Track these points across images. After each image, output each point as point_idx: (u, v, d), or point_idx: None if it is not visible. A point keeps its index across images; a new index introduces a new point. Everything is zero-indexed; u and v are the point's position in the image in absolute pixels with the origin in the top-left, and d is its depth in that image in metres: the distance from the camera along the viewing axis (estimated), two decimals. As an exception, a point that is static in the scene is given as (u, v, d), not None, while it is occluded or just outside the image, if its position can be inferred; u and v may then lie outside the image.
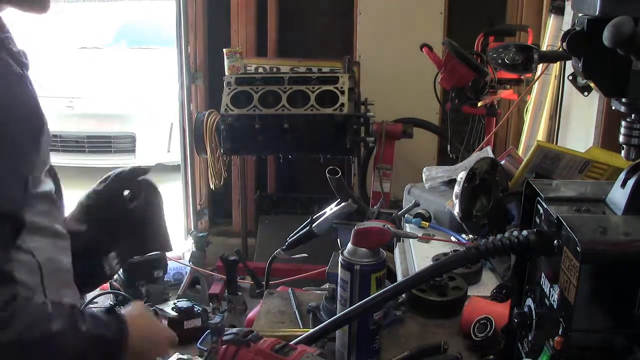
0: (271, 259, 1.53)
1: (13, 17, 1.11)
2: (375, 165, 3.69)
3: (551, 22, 2.91)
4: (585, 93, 2.25)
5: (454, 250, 1.50)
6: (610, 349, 0.83)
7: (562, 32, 0.95)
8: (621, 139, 0.94)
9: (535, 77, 2.78)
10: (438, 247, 1.73)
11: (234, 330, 1.00)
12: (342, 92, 3.35)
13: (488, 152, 2.17)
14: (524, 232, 0.93)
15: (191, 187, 4.46)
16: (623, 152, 0.94)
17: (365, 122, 3.47)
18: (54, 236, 1.12)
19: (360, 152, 3.83)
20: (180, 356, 3.07)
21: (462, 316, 1.28)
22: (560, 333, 0.85)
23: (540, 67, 2.61)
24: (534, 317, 0.97)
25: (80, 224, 1.29)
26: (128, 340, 1.07)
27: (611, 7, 0.82)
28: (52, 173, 1.18)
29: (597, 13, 0.84)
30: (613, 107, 0.95)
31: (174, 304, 3.42)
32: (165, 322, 3.32)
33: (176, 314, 3.33)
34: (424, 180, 2.16)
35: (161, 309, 3.37)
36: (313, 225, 1.44)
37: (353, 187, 3.99)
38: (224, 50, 3.88)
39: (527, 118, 3.07)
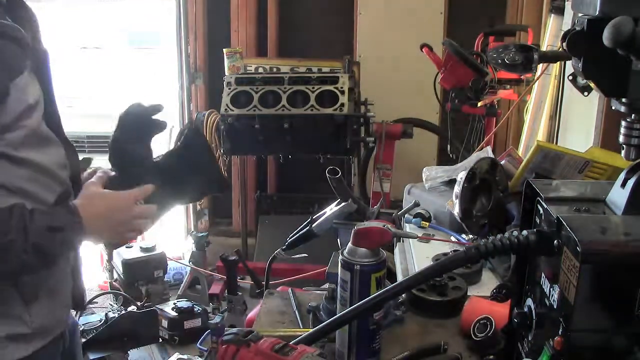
0: (271, 259, 1.53)
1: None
2: (375, 165, 3.69)
3: (551, 22, 2.91)
4: (585, 93, 2.24)
5: (454, 250, 1.50)
6: (610, 349, 0.83)
7: (562, 32, 0.95)
8: (621, 139, 0.93)
9: (535, 77, 2.78)
10: (438, 247, 1.72)
11: (234, 330, 1.00)
12: (342, 92, 3.35)
13: (488, 152, 2.16)
14: (524, 232, 0.93)
15: (191, 187, 4.45)
16: (623, 152, 0.94)
17: (365, 122, 3.47)
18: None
19: (360, 152, 3.83)
20: (180, 356, 3.08)
21: (462, 316, 1.28)
22: (560, 333, 0.85)
23: (540, 67, 2.61)
24: (534, 317, 0.97)
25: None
26: (82, 224, 1.14)
27: (611, 7, 0.82)
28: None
29: (597, 13, 0.84)
30: (613, 107, 0.95)
31: (174, 304, 3.42)
32: (166, 322, 3.33)
33: (176, 314, 3.33)
34: (424, 180, 2.16)
35: (161, 309, 3.37)
36: (313, 225, 1.44)
37: (353, 187, 3.99)
38: (224, 50, 3.88)
39: (527, 118, 3.07)
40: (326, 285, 1.36)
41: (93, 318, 3.30)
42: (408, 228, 1.88)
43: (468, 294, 1.40)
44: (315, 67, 3.83)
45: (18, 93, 1.10)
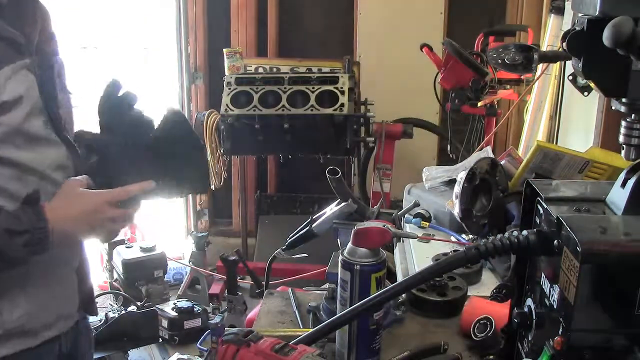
0: (271, 259, 1.53)
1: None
2: (375, 165, 3.69)
3: (551, 22, 2.91)
4: (585, 93, 2.24)
5: (454, 250, 1.50)
6: (610, 349, 0.83)
7: (562, 32, 0.95)
8: (621, 139, 0.93)
9: (535, 77, 2.78)
10: (438, 247, 1.72)
11: (234, 330, 1.00)
12: (342, 92, 3.36)
13: (488, 152, 2.16)
14: (524, 232, 0.93)
15: (191, 187, 4.45)
16: (623, 152, 0.94)
17: (365, 122, 3.47)
18: None
19: (360, 152, 3.83)
20: (180, 356, 3.08)
21: (462, 316, 1.28)
22: (560, 333, 0.85)
23: (540, 67, 2.61)
24: (534, 317, 0.97)
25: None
26: (47, 228, 1.11)
27: (611, 7, 0.82)
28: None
29: (597, 13, 0.83)
30: (613, 107, 0.95)
31: (174, 304, 3.42)
32: (166, 322, 3.33)
33: (176, 314, 3.33)
34: (424, 180, 2.16)
35: (161, 309, 3.37)
36: (313, 225, 1.44)
37: (353, 187, 3.99)
38: (224, 50, 3.88)
39: (527, 118, 3.07)
40: (326, 285, 1.36)
41: (93, 318, 3.29)
42: (408, 228, 1.88)
43: (468, 294, 1.40)
44: (315, 67, 3.83)
45: None
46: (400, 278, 1.70)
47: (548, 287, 0.92)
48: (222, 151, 3.58)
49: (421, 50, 3.10)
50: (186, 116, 1.35)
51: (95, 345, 1.61)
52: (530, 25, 3.36)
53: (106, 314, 3.27)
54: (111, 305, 3.61)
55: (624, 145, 0.93)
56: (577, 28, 0.90)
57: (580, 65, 0.90)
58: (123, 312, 3.26)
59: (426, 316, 1.35)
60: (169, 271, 3.88)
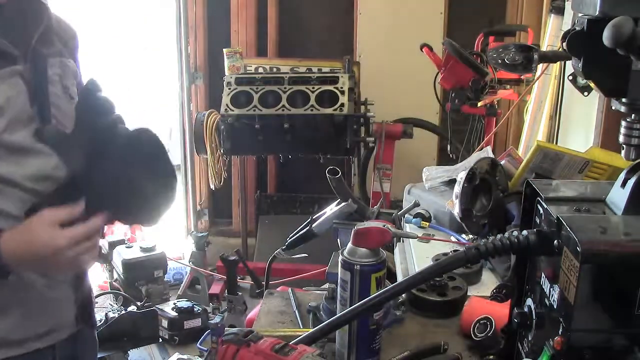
0: (271, 259, 1.53)
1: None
2: (375, 165, 3.69)
3: (551, 22, 2.91)
4: (585, 93, 2.24)
5: (454, 250, 1.50)
6: (610, 349, 0.83)
7: (562, 32, 0.95)
8: (621, 139, 0.93)
9: (535, 77, 2.78)
10: (438, 247, 1.72)
11: (234, 330, 1.00)
12: (342, 92, 3.35)
13: (488, 152, 2.16)
14: (524, 232, 0.93)
15: (191, 187, 4.46)
16: (623, 152, 0.94)
17: (365, 122, 3.47)
18: None
19: (360, 152, 3.83)
20: (180, 356, 3.08)
21: (462, 316, 1.28)
22: (560, 333, 0.85)
23: (540, 67, 2.61)
24: (534, 317, 0.97)
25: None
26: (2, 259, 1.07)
27: (611, 7, 0.82)
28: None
29: (597, 13, 0.83)
30: (613, 107, 0.95)
31: (174, 304, 3.42)
32: (166, 322, 3.33)
33: (176, 314, 3.33)
34: (424, 180, 2.16)
35: (161, 309, 3.37)
36: (313, 225, 1.44)
37: (353, 187, 3.99)
38: (224, 50, 3.89)
39: (527, 118, 3.07)
40: (326, 285, 1.36)
41: (93, 318, 3.29)
42: (408, 228, 1.88)
43: (468, 294, 1.40)
44: (315, 67, 3.84)
45: None
46: (400, 278, 1.70)
47: (548, 287, 0.92)
48: (222, 151, 3.58)
49: (421, 50, 3.10)
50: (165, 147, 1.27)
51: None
52: (530, 25, 3.35)
53: (106, 314, 3.27)
54: (111, 305, 3.61)
55: (624, 145, 0.93)
56: (577, 28, 0.90)
57: (580, 65, 0.90)
58: (123, 312, 3.26)
59: (426, 316, 1.35)
60: (169, 271, 3.89)
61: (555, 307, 0.88)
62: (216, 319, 3.00)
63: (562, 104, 2.74)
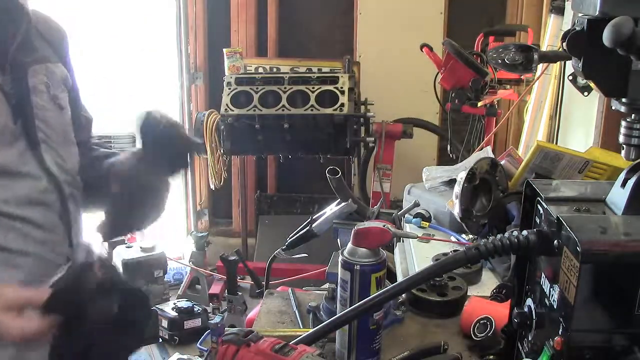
0: (271, 259, 1.53)
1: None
2: (375, 165, 3.69)
3: (551, 22, 2.91)
4: (585, 93, 2.25)
5: (454, 250, 1.50)
6: (610, 349, 0.83)
7: (562, 32, 0.95)
8: (621, 139, 0.93)
9: (535, 77, 2.78)
10: (438, 247, 1.72)
11: (234, 330, 1.00)
12: (342, 92, 3.36)
13: (488, 152, 2.16)
14: (524, 232, 0.93)
15: (191, 187, 4.46)
16: (623, 152, 0.94)
17: (365, 122, 3.47)
18: None
19: (360, 152, 3.83)
20: (180, 356, 3.08)
21: (462, 316, 1.28)
22: (560, 333, 0.85)
23: (540, 67, 2.61)
24: (534, 317, 0.97)
25: None
26: None
27: (611, 7, 0.82)
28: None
29: (597, 13, 0.83)
30: (613, 107, 0.95)
31: (174, 304, 3.42)
32: (166, 322, 3.33)
33: (176, 314, 3.33)
34: (424, 180, 2.16)
35: (161, 309, 3.37)
36: (313, 225, 1.44)
37: (353, 187, 3.99)
38: (224, 50, 3.89)
39: (527, 118, 3.07)
40: (326, 285, 1.36)
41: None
42: (408, 228, 1.88)
43: (468, 294, 1.40)
44: (315, 67, 3.84)
45: None
46: (400, 278, 1.70)
47: (548, 287, 0.92)
48: (222, 151, 3.58)
49: (421, 50, 3.10)
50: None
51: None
52: (530, 25, 3.36)
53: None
54: None
55: (624, 145, 0.93)
56: (577, 28, 0.90)
57: (580, 65, 0.90)
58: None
59: (426, 316, 1.35)
60: (169, 271, 3.89)
61: (555, 307, 0.88)
62: (216, 319, 3.00)
63: (562, 104, 2.74)
